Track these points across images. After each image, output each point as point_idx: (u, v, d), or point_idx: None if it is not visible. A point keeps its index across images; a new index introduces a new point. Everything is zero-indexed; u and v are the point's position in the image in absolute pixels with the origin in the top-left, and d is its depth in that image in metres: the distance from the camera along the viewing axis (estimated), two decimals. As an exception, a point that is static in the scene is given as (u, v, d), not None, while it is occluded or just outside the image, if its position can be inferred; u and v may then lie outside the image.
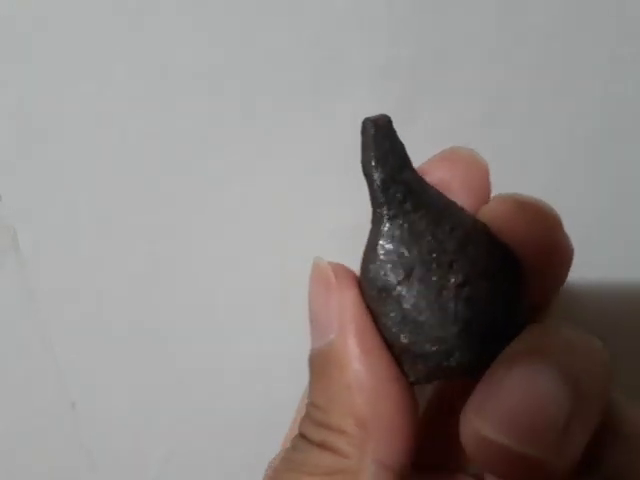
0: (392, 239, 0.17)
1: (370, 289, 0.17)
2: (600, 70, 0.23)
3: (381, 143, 0.17)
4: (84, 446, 0.28)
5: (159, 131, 0.24)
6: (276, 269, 0.25)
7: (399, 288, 0.17)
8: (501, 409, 0.15)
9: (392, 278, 0.17)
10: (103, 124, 0.24)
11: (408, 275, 0.17)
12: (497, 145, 0.24)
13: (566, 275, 0.18)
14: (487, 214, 0.18)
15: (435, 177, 0.18)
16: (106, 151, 0.24)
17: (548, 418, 0.14)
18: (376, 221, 0.17)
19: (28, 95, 0.24)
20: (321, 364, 0.18)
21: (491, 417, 0.15)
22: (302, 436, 0.18)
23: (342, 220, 0.24)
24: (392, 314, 0.17)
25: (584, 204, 0.24)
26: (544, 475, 0.15)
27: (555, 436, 0.14)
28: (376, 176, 0.17)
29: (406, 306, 0.16)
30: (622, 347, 0.25)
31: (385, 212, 0.17)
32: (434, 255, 0.17)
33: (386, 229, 0.17)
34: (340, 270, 0.18)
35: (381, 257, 0.17)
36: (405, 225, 0.17)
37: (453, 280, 0.16)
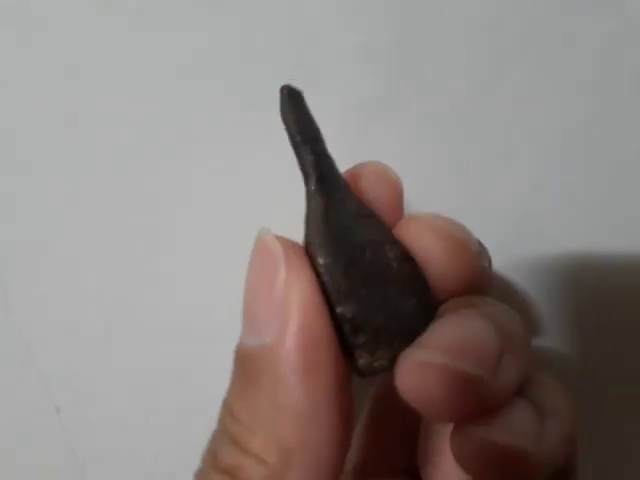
0: (338, 213, 0.16)
1: (333, 265, 0.15)
2: (598, 67, 0.23)
3: (307, 113, 0.17)
4: (72, 449, 0.28)
5: (157, 131, 0.24)
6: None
7: (365, 263, 0.16)
8: (439, 340, 0.15)
9: (355, 252, 0.16)
10: (101, 124, 0.24)
11: (363, 251, 0.16)
12: (483, 129, 0.24)
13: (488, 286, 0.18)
14: (403, 236, 0.17)
15: None
16: (103, 152, 0.24)
17: (482, 344, 0.15)
18: (317, 192, 0.16)
19: (25, 96, 0.24)
20: (250, 367, 0.15)
21: (429, 346, 0.14)
22: (213, 456, 0.15)
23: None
24: (362, 290, 0.16)
25: (584, 203, 0.24)
26: (480, 393, 0.14)
27: (489, 358, 0.14)
28: (308, 145, 0.16)
29: (373, 281, 0.16)
30: (625, 345, 0.25)
31: (320, 186, 0.16)
32: (374, 234, 0.16)
33: (328, 202, 0.16)
34: (291, 250, 0.15)
35: (337, 231, 0.16)
36: (344, 202, 0.16)
37: (394, 256, 0.16)
